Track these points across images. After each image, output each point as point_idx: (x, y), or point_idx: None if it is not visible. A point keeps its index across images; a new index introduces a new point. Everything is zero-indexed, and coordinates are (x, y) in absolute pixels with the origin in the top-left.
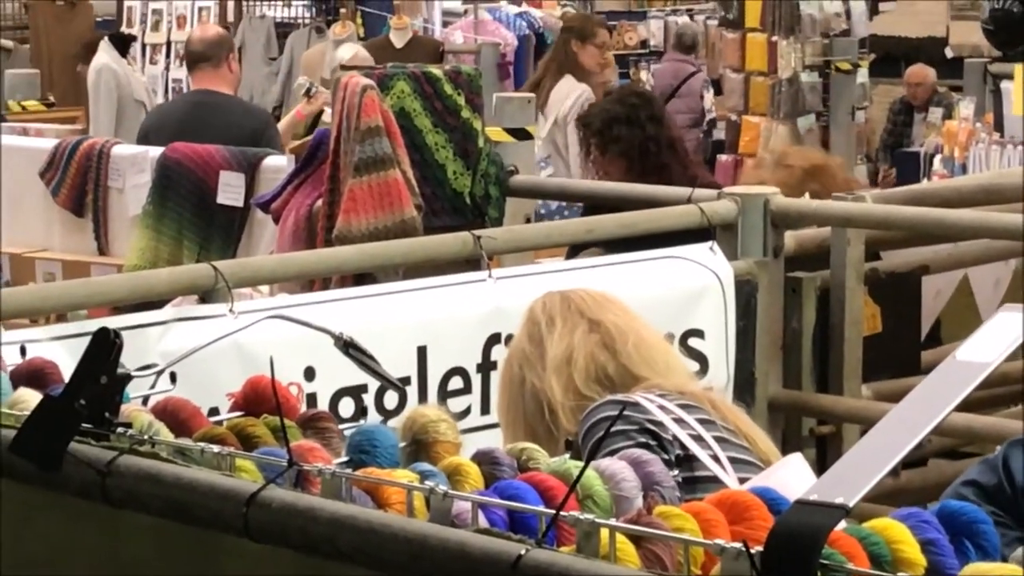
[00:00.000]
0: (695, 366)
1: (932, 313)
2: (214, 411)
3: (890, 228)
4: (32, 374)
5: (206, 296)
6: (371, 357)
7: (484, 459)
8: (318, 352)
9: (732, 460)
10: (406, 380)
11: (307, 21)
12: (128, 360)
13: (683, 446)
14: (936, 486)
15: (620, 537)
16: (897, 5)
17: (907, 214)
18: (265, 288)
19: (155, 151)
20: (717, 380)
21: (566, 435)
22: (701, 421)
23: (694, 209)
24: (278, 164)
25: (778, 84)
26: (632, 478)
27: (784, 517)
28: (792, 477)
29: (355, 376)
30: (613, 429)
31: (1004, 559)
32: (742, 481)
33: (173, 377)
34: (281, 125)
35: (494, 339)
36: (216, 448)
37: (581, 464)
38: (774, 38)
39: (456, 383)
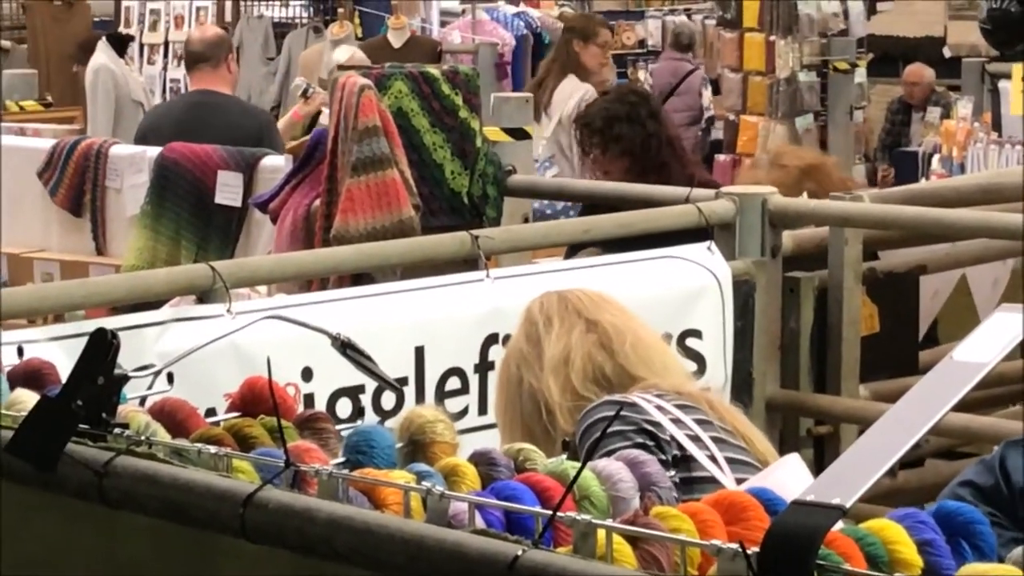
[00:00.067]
0: (693, 366)
1: (930, 313)
2: (211, 411)
3: (888, 228)
4: (29, 374)
5: (204, 296)
6: (368, 357)
7: (481, 460)
8: (315, 352)
9: (729, 460)
10: (403, 380)
11: (305, 21)
12: (125, 361)
13: (680, 446)
14: (933, 486)
15: (617, 538)
16: (895, 5)
17: (905, 214)
18: (263, 288)
19: (153, 151)
20: (715, 380)
21: (563, 435)
22: (698, 421)
23: (692, 209)
24: (276, 164)
25: (776, 84)
26: (629, 479)
27: (781, 518)
28: (789, 477)
29: (352, 376)
30: (610, 429)
31: (1001, 560)
32: (739, 481)
33: (170, 378)
34: (279, 126)
35: (492, 339)
36: (213, 449)
37: (578, 465)
38: (772, 38)
39: (453, 383)
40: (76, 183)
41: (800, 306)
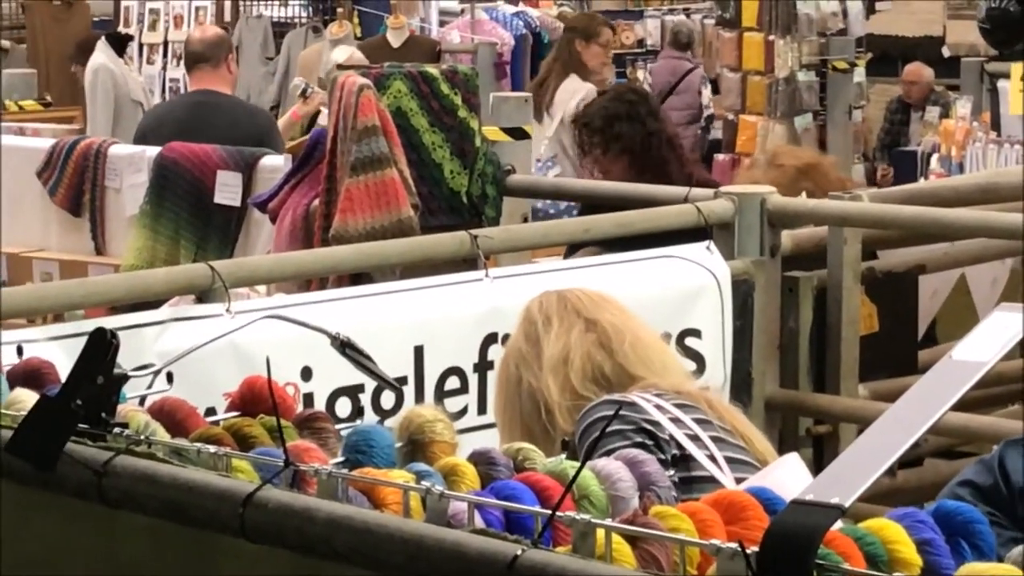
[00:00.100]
0: (692, 366)
1: (929, 312)
2: (211, 411)
3: (887, 227)
4: (29, 374)
5: (203, 296)
6: (368, 357)
7: (480, 459)
8: (315, 352)
9: (729, 460)
10: (403, 380)
11: (304, 21)
12: (125, 360)
13: (680, 446)
14: (932, 486)
15: (616, 537)
16: (894, 4)
17: (904, 213)
18: (262, 288)
19: (152, 151)
20: (714, 380)
21: (563, 435)
22: (698, 421)
23: (691, 208)
24: (275, 164)
25: (775, 83)
26: (628, 478)
27: (780, 517)
28: (789, 477)
29: (352, 376)
30: (609, 429)
31: (1000, 559)
32: (739, 481)
33: (170, 377)
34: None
35: (491, 339)
36: (212, 448)
37: (577, 464)
38: (771, 37)
39: (453, 383)
40: (75, 183)
41: (799, 305)
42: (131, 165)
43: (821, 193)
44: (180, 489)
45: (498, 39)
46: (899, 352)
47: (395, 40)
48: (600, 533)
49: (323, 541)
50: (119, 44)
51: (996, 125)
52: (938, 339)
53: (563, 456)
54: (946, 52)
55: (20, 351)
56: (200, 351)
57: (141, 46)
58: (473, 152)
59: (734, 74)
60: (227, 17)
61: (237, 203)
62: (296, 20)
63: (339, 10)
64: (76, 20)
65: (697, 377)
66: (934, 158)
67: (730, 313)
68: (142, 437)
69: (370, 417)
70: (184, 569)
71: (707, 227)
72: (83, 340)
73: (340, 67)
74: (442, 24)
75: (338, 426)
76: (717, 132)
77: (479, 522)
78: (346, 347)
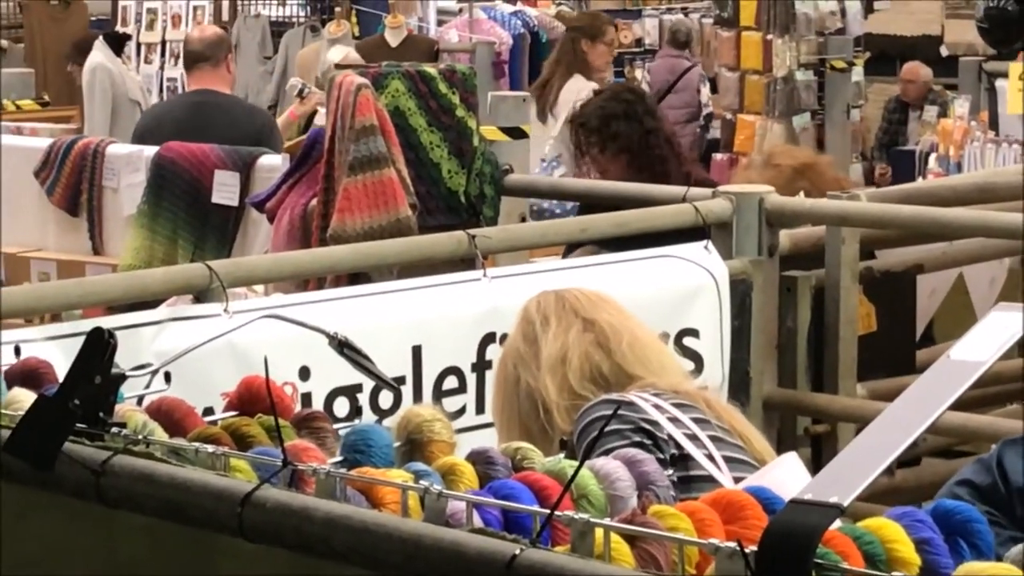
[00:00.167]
0: (690, 365)
1: (927, 312)
2: (208, 411)
3: (885, 227)
4: (27, 374)
5: (201, 296)
6: (366, 357)
7: (479, 459)
8: (313, 352)
9: (727, 459)
10: (401, 380)
11: (302, 20)
12: (122, 360)
13: (678, 445)
14: (930, 485)
15: (615, 537)
16: (892, 4)
17: (902, 213)
18: (260, 288)
19: (150, 150)
20: (712, 379)
21: (561, 434)
22: (696, 420)
23: (689, 208)
24: (273, 163)
25: (773, 82)
26: (627, 477)
27: (779, 516)
28: (787, 476)
29: (350, 376)
30: (608, 428)
31: (999, 558)
32: (737, 480)
33: (167, 377)
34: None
35: (489, 338)
36: (210, 448)
37: (576, 464)
38: (769, 36)
39: (451, 383)
40: (73, 182)
41: (797, 305)
42: (129, 165)
43: (817, 193)
44: (178, 488)
45: (496, 38)
46: (897, 351)
47: (393, 39)
48: (599, 532)
49: (321, 540)
50: (117, 43)
51: (994, 124)
52: (936, 339)
53: (561, 455)
54: (944, 51)
55: (18, 351)
56: (198, 351)
57: (139, 45)
58: (471, 151)
59: (732, 73)
60: (225, 16)
61: (235, 203)
62: (294, 19)
63: (337, 9)
64: (74, 20)
65: (695, 377)
66: (932, 157)
67: (728, 313)
68: (140, 437)
69: (368, 417)
70: (182, 568)
71: (705, 227)
72: (81, 340)
73: (338, 66)
74: (440, 23)
75: (336, 426)
76: (715, 131)
77: (477, 521)
78: (344, 347)
